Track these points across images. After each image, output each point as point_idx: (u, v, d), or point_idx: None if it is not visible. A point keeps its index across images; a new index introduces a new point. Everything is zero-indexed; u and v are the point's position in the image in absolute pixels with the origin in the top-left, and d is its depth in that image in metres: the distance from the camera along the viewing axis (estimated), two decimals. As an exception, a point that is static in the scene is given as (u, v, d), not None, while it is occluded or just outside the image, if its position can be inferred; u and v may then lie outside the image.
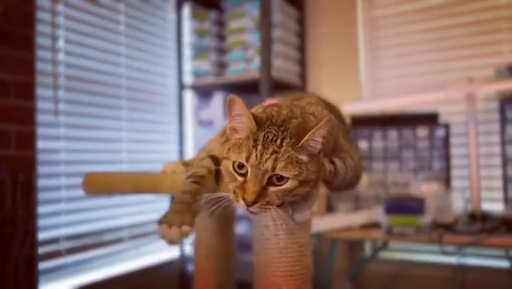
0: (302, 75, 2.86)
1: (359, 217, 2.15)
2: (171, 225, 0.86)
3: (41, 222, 2.05)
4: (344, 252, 2.63)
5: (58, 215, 2.19)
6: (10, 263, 1.81)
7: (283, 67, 2.65)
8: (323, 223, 2.06)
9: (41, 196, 2.06)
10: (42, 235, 2.06)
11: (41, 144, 2.07)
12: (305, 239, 0.98)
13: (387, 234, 1.96)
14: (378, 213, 2.07)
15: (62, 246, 2.19)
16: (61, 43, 2.22)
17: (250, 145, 0.88)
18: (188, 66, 2.94)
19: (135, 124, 2.64)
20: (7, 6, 1.88)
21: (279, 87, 2.62)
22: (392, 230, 1.95)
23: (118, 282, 2.38)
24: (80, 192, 2.25)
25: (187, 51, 2.95)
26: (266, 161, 0.86)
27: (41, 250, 2.06)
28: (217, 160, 1.03)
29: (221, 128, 1.11)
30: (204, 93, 2.86)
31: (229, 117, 0.95)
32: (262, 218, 0.97)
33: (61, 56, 2.22)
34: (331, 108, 1.20)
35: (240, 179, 0.89)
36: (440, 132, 2.37)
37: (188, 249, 2.84)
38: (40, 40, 2.10)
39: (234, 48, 2.76)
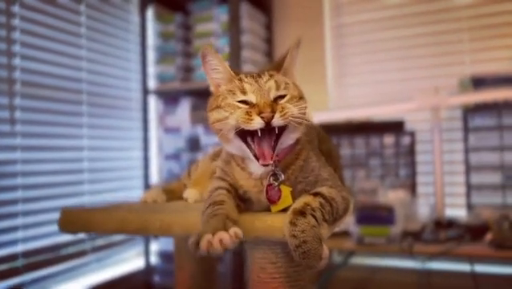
0: (270, 81, 2.83)
1: (329, 226, 2.15)
2: (214, 232, 0.76)
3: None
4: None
5: (16, 230, 2.05)
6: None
7: (251, 73, 2.61)
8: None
9: (-4, 211, 1.93)
10: (-3, 253, 1.94)
11: (-4, 156, 1.94)
12: (305, 281, 0.92)
13: (358, 244, 1.97)
14: (347, 222, 2.08)
15: (20, 263, 2.06)
16: (17, 47, 2.08)
17: (238, 83, 0.91)
18: (152, 70, 2.84)
19: (97, 131, 2.52)
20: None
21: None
22: (363, 240, 1.96)
23: (80, 298, 2.28)
24: (38, 204, 2.16)
25: (151, 55, 2.85)
26: (266, 82, 0.90)
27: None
28: (228, 189, 0.97)
29: (212, 150, 1.06)
30: (169, 98, 2.77)
31: (207, 72, 0.97)
32: (259, 256, 0.91)
33: (17, 61, 2.08)
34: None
35: (245, 106, 0.88)
36: (406, 140, 2.42)
37: (154, 260, 2.76)
38: (-6, 44, 1.96)
39: (201, 53, 2.69)
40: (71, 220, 0.96)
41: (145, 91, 2.79)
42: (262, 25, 2.79)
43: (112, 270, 2.53)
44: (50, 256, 2.19)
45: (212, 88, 0.98)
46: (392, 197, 2.28)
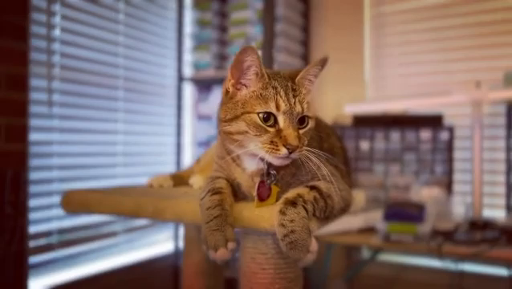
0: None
1: (357, 221, 2.09)
2: (217, 248, 0.82)
3: (32, 216, 2.02)
4: (341, 253, 2.58)
5: (50, 208, 2.15)
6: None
7: (286, 62, 2.57)
8: (319, 226, 2.01)
9: (32, 189, 2.02)
10: (33, 229, 2.03)
11: (33, 136, 2.02)
12: (294, 274, 0.91)
13: (384, 241, 1.91)
14: (376, 218, 2.02)
15: (54, 239, 2.16)
16: (57, 32, 2.16)
17: (273, 93, 0.87)
18: (188, 57, 2.86)
19: (131, 116, 2.58)
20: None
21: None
22: (390, 238, 1.89)
23: (111, 277, 2.35)
24: (73, 184, 2.24)
25: (187, 42, 2.87)
26: (295, 105, 0.87)
27: (32, 244, 2.03)
28: (226, 178, 0.98)
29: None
30: (203, 86, 2.79)
31: (234, 72, 0.91)
32: (252, 246, 0.90)
33: (56, 46, 2.16)
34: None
35: (272, 130, 0.86)
36: (444, 135, 2.31)
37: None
38: (35, 29, 2.04)
39: (236, 40, 2.69)
40: (71, 200, 0.99)
41: (180, 79, 2.82)
42: (299, 12, 2.73)
43: (142, 252, 2.60)
44: (83, 235, 2.28)
45: (229, 87, 0.93)
46: (426, 194, 2.19)
